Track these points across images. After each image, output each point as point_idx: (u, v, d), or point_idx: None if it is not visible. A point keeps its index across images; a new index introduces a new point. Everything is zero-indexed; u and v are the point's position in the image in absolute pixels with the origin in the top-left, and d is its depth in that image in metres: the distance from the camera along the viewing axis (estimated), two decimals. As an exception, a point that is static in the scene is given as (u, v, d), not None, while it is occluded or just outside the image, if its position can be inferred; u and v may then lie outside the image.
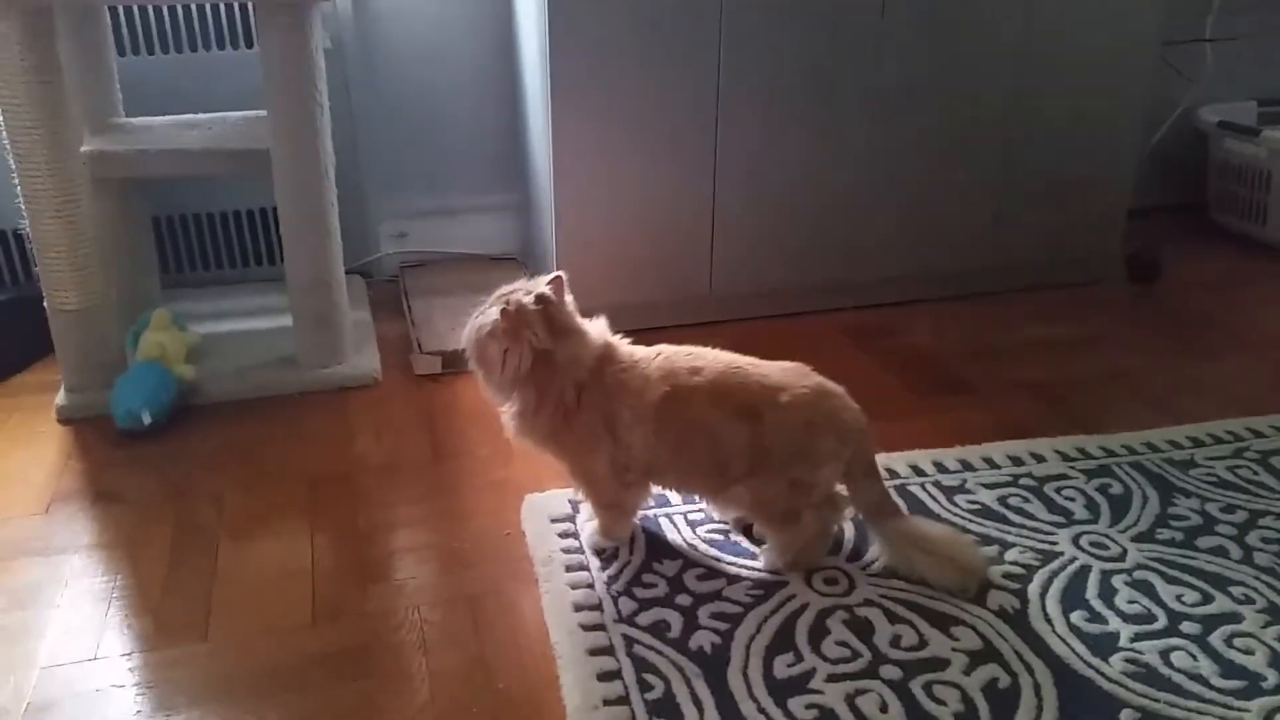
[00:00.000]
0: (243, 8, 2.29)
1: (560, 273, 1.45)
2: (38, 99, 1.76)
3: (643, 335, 2.18)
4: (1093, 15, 2.30)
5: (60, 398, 1.94)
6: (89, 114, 2.04)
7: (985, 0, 2.22)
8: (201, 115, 2.17)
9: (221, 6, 2.29)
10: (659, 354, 1.47)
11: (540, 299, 1.41)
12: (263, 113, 1.93)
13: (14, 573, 1.50)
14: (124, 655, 1.34)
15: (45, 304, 1.91)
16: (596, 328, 1.48)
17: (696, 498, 1.61)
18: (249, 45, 2.31)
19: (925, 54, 2.23)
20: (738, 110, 2.17)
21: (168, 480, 1.74)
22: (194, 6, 2.26)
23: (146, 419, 1.83)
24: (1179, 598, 1.42)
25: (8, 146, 1.80)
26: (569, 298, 1.46)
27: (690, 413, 1.42)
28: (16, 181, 1.82)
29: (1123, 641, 1.33)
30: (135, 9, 2.24)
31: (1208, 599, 1.41)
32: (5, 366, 2.11)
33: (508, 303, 1.41)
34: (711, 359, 1.46)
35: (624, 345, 1.50)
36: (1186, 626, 1.36)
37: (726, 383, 1.43)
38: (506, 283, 1.47)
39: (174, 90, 2.26)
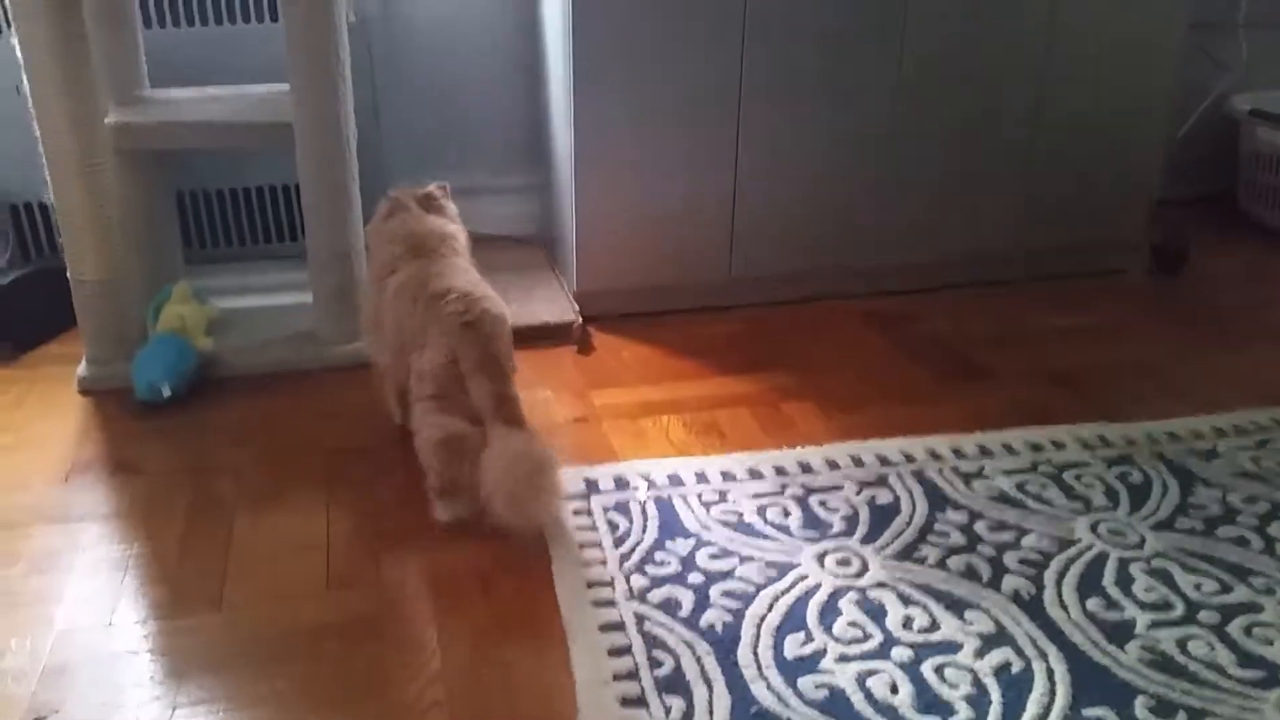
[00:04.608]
0: (268, -18, 2.29)
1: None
2: (63, 68, 1.76)
3: (660, 318, 2.22)
4: (1121, -3, 2.27)
5: (82, 369, 1.96)
6: (114, 86, 2.05)
7: (1013, -18, 2.20)
8: (225, 88, 2.18)
9: (247, -19, 2.29)
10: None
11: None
12: (286, 86, 1.93)
13: (33, 539, 1.51)
14: (139, 622, 1.35)
15: (68, 275, 1.92)
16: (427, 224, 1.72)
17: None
18: (274, 19, 2.31)
19: (950, 36, 2.20)
20: (760, 93, 2.15)
21: (186, 452, 1.75)
22: (219, -19, 2.27)
23: (166, 391, 1.84)
24: (1197, 587, 1.40)
25: (33, 114, 1.81)
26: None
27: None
28: (41, 151, 1.83)
29: (1139, 629, 1.32)
30: (161, -18, 2.24)
31: (1227, 589, 1.40)
32: (30, 338, 2.13)
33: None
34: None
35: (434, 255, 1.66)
36: (1205, 616, 1.34)
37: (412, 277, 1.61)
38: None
39: (199, 63, 2.27)
